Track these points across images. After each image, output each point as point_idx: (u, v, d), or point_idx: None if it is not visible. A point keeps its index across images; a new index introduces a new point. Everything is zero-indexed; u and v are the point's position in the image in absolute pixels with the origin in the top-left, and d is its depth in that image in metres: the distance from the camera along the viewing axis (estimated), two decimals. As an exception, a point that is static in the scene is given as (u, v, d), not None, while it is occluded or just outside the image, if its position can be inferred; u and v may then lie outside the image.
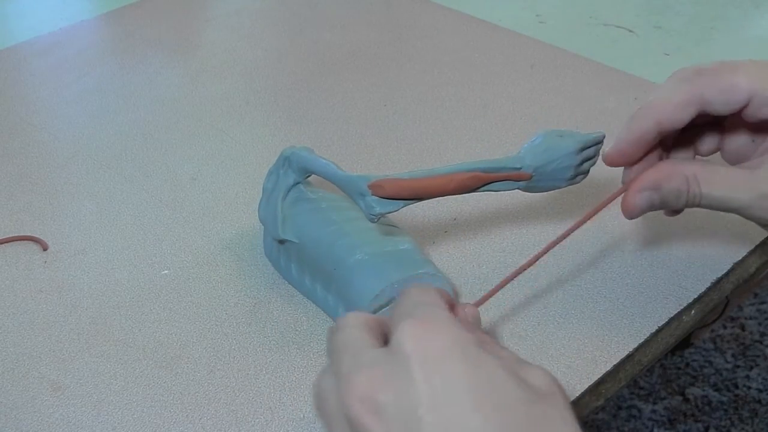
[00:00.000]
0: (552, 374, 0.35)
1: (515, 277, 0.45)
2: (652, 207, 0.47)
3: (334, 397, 0.34)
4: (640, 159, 0.47)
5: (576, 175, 0.50)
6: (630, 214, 0.47)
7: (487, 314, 0.53)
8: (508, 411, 0.31)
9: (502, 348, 0.36)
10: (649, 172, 0.46)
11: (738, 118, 0.45)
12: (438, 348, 0.32)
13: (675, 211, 0.49)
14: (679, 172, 0.45)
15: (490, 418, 0.31)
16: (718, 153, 0.50)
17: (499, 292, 0.54)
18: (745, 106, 0.43)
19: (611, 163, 0.47)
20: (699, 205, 0.46)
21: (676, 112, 0.44)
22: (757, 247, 0.58)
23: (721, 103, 0.43)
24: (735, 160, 0.49)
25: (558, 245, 0.46)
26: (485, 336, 0.37)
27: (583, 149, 0.50)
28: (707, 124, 0.48)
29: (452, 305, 0.39)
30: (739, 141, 0.48)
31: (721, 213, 0.57)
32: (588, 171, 0.52)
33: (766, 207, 0.44)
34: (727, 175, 0.45)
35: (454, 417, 0.31)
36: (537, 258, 0.46)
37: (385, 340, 0.37)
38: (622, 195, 0.47)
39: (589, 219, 0.47)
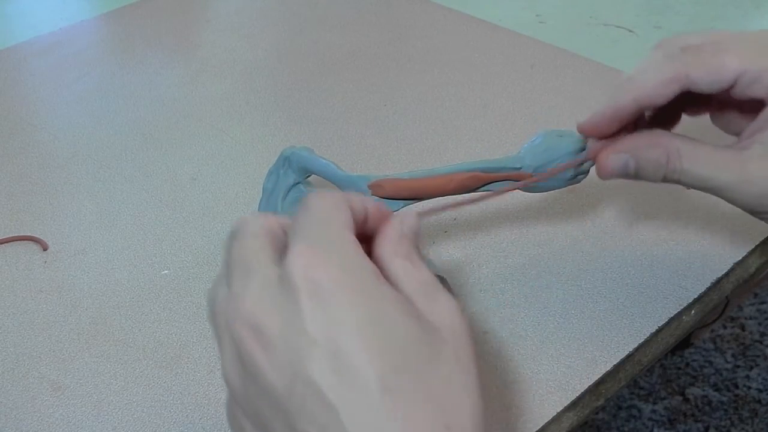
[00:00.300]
0: (458, 308, 0.33)
1: (461, 205, 0.42)
2: (627, 173, 0.45)
3: (224, 311, 0.33)
4: (616, 133, 0.46)
5: (576, 175, 0.50)
6: (603, 175, 0.45)
7: (488, 314, 0.53)
8: (396, 350, 0.31)
9: (417, 271, 0.34)
10: (630, 137, 0.45)
11: (725, 94, 0.44)
12: (328, 279, 0.31)
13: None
14: (661, 143, 0.44)
15: (377, 357, 0.30)
16: (704, 132, 0.48)
17: (500, 292, 0.55)
18: (733, 86, 0.42)
19: (584, 133, 0.46)
20: (678, 181, 0.44)
21: (657, 90, 0.42)
22: (757, 247, 0.58)
23: (707, 83, 0.42)
24: (724, 129, 0.47)
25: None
26: (412, 254, 0.35)
27: (582, 149, 0.50)
28: (693, 99, 0.47)
29: (364, 218, 0.36)
30: (726, 118, 0.47)
31: (721, 213, 0.58)
32: (588, 171, 0.52)
33: (748, 191, 0.42)
34: (712, 154, 0.43)
35: (339, 354, 0.30)
36: (484, 197, 0.44)
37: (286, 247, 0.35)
38: (598, 156, 0.45)
39: (551, 175, 0.45)
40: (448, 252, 0.58)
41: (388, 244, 0.35)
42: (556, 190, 0.51)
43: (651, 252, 0.58)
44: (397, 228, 0.36)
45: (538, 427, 0.47)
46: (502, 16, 0.87)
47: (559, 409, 0.48)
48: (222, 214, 0.62)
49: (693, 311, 0.54)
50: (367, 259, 0.33)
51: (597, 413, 1.42)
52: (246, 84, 0.78)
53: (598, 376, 0.49)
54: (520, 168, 0.48)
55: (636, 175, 0.45)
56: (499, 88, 0.76)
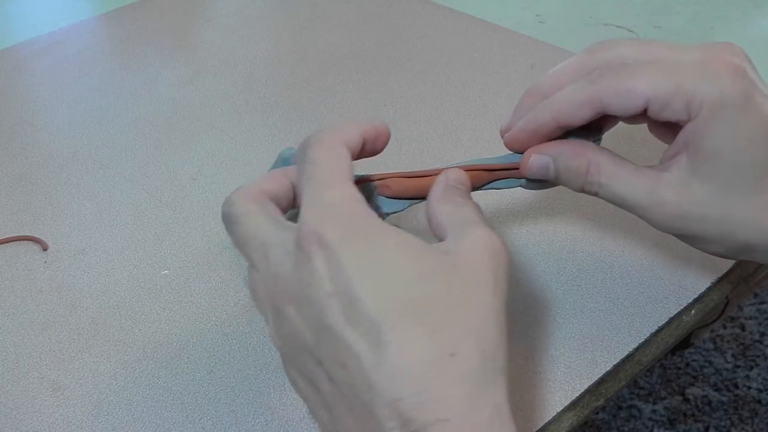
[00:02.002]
0: (482, 243, 0.37)
1: (429, 175, 0.44)
2: (546, 175, 0.45)
3: (259, 289, 0.38)
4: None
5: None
6: (524, 172, 0.46)
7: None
8: (400, 290, 0.34)
9: (457, 211, 0.39)
10: (556, 141, 0.45)
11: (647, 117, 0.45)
12: (333, 239, 0.35)
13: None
14: (584, 154, 0.44)
15: (382, 300, 0.34)
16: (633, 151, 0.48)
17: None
18: (647, 109, 0.42)
19: (508, 147, 0.46)
20: (597, 195, 0.45)
21: (574, 112, 0.43)
22: (757, 247, 0.58)
23: (618, 107, 0.42)
24: (660, 138, 0.48)
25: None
26: (456, 198, 0.40)
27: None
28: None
29: (362, 145, 0.40)
30: (659, 128, 0.47)
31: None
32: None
33: (660, 213, 0.43)
34: (630, 173, 0.44)
35: (351, 303, 0.34)
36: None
37: (287, 203, 0.41)
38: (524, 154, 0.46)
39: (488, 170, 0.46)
40: (448, 252, 0.58)
41: (435, 196, 0.41)
42: (557, 189, 0.51)
43: (651, 252, 0.58)
44: (442, 182, 0.41)
45: (538, 427, 0.47)
46: (502, 16, 0.87)
47: (559, 409, 0.48)
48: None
49: (693, 311, 0.54)
50: (367, 209, 0.37)
51: (597, 413, 1.42)
52: (246, 84, 0.78)
53: (598, 376, 0.49)
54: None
55: (555, 180, 0.46)
56: (498, 88, 0.76)
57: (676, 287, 0.55)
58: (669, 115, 0.41)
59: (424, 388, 0.33)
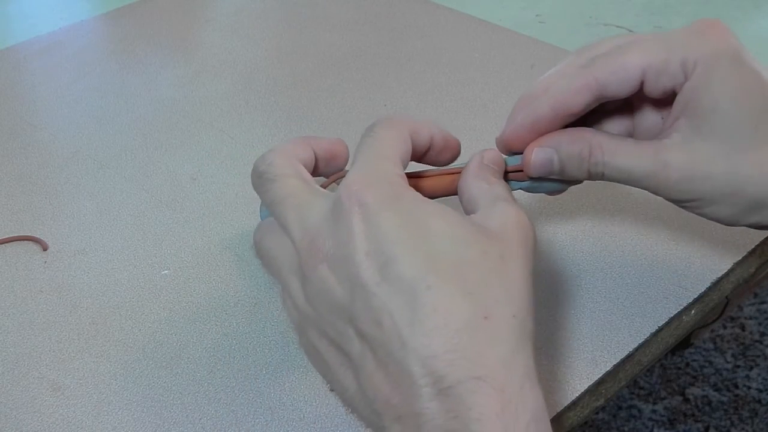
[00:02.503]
0: (514, 217, 0.38)
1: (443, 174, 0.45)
2: (550, 168, 0.45)
3: (286, 252, 0.39)
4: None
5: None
6: (528, 170, 0.45)
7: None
8: (435, 253, 0.35)
9: (490, 187, 0.41)
10: (554, 132, 0.45)
11: (643, 97, 0.45)
12: (374, 201, 0.36)
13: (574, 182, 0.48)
14: (584, 137, 0.44)
15: (418, 260, 0.35)
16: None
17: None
18: (643, 83, 0.42)
19: (506, 146, 0.46)
20: (603, 176, 0.45)
21: (572, 99, 0.43)
22: (757, 247, 0.58)
23: (615, 85, 0.42)
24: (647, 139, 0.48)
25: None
26: (489, 176, 0.42)
27: None
28: (616, 108, 0.48)
29: (427, 147, 0.42)
30: (648, 120, 0.47)
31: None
32: None
33: (665, 179, 0.43)
34: (632, 145, 0.44)
35: (387, 262, 0.35)
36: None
37: (310, 171, 0.42)
38: (524, 152, 0.45)
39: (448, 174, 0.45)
40: (448, 252, 0.58)
41: (469, 172, 0.42)
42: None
43: (651, 252, 0.58)
44: (477, 160, 0.43)
45: (538, 427, 0.47)
46: (502, 16, 0.87)
47: (559, 409, 0.48)
48: (222, 214, 0.62)
49: (693, 311, 0.54)
50: (409, 188, 0.38)
51: (597, 413, 1.42)
52: (246, 84, 0.78)
53: (598, 376, 0.49)
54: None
55: (560, 172, 0.45)
56: (499, 88, 0.76)
57: (676, 287, 0.55)
58: (666, 81, 0.42)
59: (458, 346, 0.34)
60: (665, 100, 0.44)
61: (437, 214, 0.37)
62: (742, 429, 1.44)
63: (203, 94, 0.77)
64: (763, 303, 1.66)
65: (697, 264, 0.56)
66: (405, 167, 0.40)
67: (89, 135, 0.71)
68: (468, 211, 0.41)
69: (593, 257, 0.57)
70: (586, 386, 0.49)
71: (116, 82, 0.79)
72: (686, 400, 1.49)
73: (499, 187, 0.41)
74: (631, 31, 0.85)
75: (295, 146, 0.42)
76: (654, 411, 1.47)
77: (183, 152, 0.69)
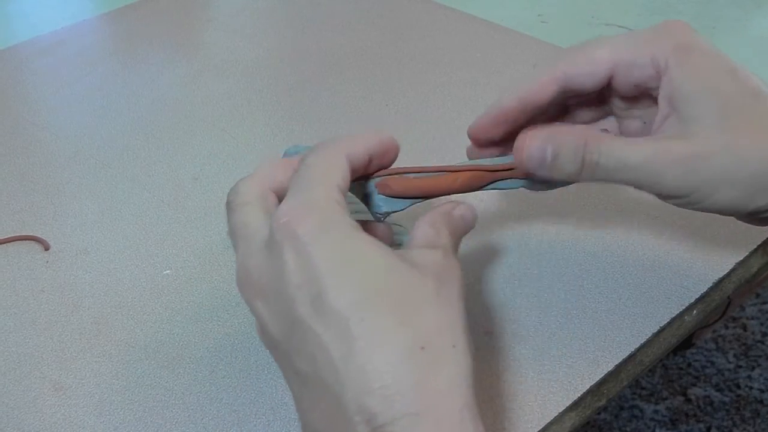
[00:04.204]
0: (446, 259, 0.37)
1: (436, 171, 0.45)
2: (544, 160, 0.43)
3: (237, 281, 0.39)
4: (506, 139, 0.46)
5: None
6: (521, 163, 0.44)
7: (489, 314, 0.53)
8: (368, 285, 0.34)
9: (435, 236, 0.39)
10: (545, 126, 0.44)
11: (622, 100, 0.45)
12: (305, 233, 0.35)
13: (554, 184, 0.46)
14: (579, 130, 0.43)
15: (350, 293, 0.34)
16: None
17: (501, 292, 0.54)
18: (612, 78, 0.42)
19: (474, 139, 0.46)
20: (594, 175, 0.43)
21: (538, 90, 0.43)
22: (759, 247, 0.58)
23: (583, 77, 0.42)
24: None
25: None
26: (440, 226, 0.40)
27: None
28: (592, 119, 0.48)
29: (368, 160, 0.41)
30: (631, 127, 0.47)
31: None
32: None
33: (669, 162, 0.41)
34: (626, 139, 0.43)
35: (320, 295, 0.34)
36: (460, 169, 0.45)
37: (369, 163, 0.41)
38: (516, 147, 0.44)
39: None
40: (449, 252, 0.58)
41: (428, 215, 0.40)
42: (558, 190, 0.51)
43: (653, 252, 0.58)
44: (446, 209, 0.41)
45: (540, 427, 0.47)
46: (504, 16, 0.87)
47: (561, 410, 0.48)
48: (224, 214, 0.62)
49: (695, 311, 0.54)
50: (346, 215, 0.37)
51: (599, 413, 1.42)
52: (248, 83, 0.78)
53: (600, 376, 0.49)
54: None
55: (553, 163, 0.43)
56: (500, 88, 0.75)
57: (678, 287, 0.55)
58: (637, 74, 0.42)
59: (393, 381, 0.33)
60: (640, 96, 0.44)
61: (371, 243, 0.36)
62: (744, 429, 1.44)
63: (205, 93, 0.77)
64: (765, 303, 1.66)
65: (698, 264, 0.56)
66: (346, 188, 0.39)
67: (91, 135, 0.71)
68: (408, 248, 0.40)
69: (595, 257, 0.57)
70: (587, 386, 0.49)
71: (118, 81, 0.79)
72: (688, 401, 1.48)
73: (444, 237, 0.40)
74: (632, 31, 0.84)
75: (273, 170, 0.41)
76: (656, 411, 1.47)
77: (185, 152, 0.69)
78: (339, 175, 0.38)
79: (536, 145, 0.43)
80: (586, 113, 0.49)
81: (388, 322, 0.34)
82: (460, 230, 0.42)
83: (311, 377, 0.34)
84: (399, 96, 0.75)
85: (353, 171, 0.40)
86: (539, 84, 0.43)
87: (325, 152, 0.39)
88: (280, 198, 0.40)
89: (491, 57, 0.80)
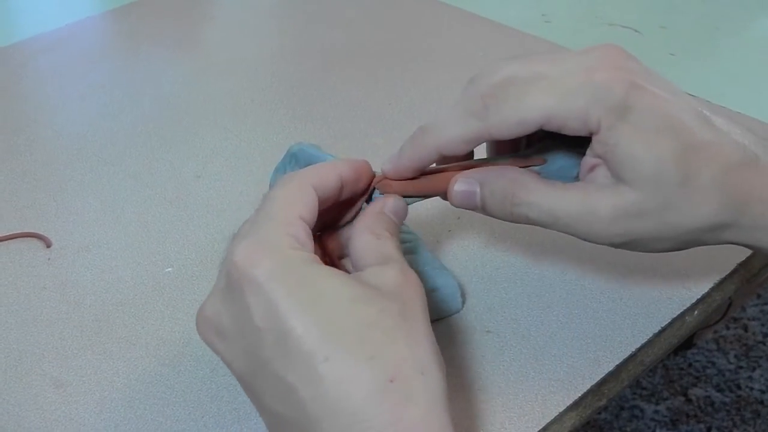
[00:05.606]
0: (405, 275, 0.37)
1: (439, 171, 0.44)
2: (473, 202, 0.44)
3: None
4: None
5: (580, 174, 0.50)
6: (451, 200, 0.44)
7: (490, 314, 0.53)
8: (330, 322, 0.34)
9: (379, 244, 0.39)
10: (481, 168, 0.44)
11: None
12: (263, 273, 0.34)
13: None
14: (509, 175, 0.43)
15: (313, 332, 0.33)
16: None
17: (503, 292, 0.54)
18: (543, 126, 0.41)
19: (389, 177, 0.44)
20: (527, 218, 0.43)
21: (460, 146, 0.42)
22: (761, 248, 0.58)
23: (509, 133, 0.41)
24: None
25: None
26: (380, 230, 0.39)
27: None
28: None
29: (338, 188, 0.40)
30: None
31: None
32: None
33: (600, 220, 0.41)
34: (560, 189, 0.42)
35: (283, 336, 0.33)
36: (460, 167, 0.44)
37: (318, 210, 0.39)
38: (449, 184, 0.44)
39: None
40: (451, 251, 0.58)
41: (362, 220, 0.40)
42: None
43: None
44: (376, 207, 0.41)
45: (541, 427, 0.47)
46: (507, 15, 0.87)
47: (561, 409, 0.48)
48: (226, 212, 0.62)
49: (696, 312, 0.54)
50: (301, 249, 0.36)
51: (599, 413, 1.42)
52: (251, 82, 0.78)
53: (601, 376, 0.49)
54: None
55: (483, 208, 0.44)
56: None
57: (679, 288, 0.55)
58: (567, 132, 0.41)
59: (365, 417, 0.32)
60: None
61: (330, 276, 0.35)
62: (745, 430, 1.44)
63: (208, 91, 0.77)
64: (766, 304, 1.65)
65: (700, 264, 0.56)
66: (312, 218, 0.38)
67: (93, 132, 0.71)
68: (356, 266, 0.39)
69: (596, 257, 0.57)
70: (588, 386, 0.49)
71: (121, 79, 0.79)
72: (689, 401, 1.48)
73: (389, 243, 0.39)
74: (637, 31, 0.84)
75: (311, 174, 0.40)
76: (656, 411, 1.47)
77: (187, 150, 0.69)
78: (301, 205, 0.38)
79: (464, 188, 0.44)
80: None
81: (354, 359, 0.33)
82: (396, 226, 0.41)
83: (283, 416, 0.34)
84: (401, 95, 0.75)
85: (324, 200, 0.39)
86: (461, 140, 0.42)
87: (289, 184, 0.38)
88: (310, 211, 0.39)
89: (494, 56, 0.80)
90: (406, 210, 0.43)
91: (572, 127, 0.40)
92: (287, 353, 0.33)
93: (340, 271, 0.36)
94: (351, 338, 0.33)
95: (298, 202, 0.38)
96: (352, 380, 0.33)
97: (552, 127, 0.41)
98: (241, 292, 0.35)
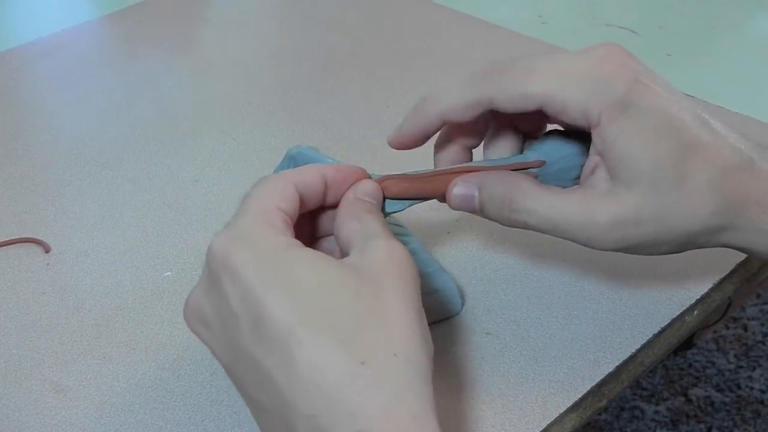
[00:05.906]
0: (388, 252, 0.37)
1: (432, 175, 0.44)
2: (472, 205, 0.44)
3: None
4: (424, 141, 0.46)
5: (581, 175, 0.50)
6: (450, 204, 0.45)
7: (490, 315, 0.53)
8: (304, 307, 0.34)
9: (361, 226, 0.39)
10: (480, 173, 0.44)
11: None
12: (240, 263, 0.35)
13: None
14: (508, 181, 0.43)
15: (287, 317, 0.34)
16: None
17: (502, 293, 0.54)
18: (542, 109, 0.41)
19: (392, 146, 0.46)
20: (526, 224, 0.43)
21: (462, 112, 0.42)
22: (759, 247, 0.58)
23: (510, 106, 0.41)
24: None
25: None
26: (361, 212, 0.40)
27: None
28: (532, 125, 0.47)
29: (322, 190, 0.40)
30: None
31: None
32: None
33: (599, 227, 0.41)
34: (559, 195, 0.42)
35: (258, 322, 0.34)
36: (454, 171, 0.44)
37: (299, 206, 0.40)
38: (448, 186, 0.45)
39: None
40: (450, 253, 0.58)
41: (340, 212, 0.40)
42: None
43: (654, 253, 0.58)
44: (350, 194, 0.41)
45: (541, 429, 0.47)
46: (504, 17, 0.87)
47: (561, 410, 0.48)
48: (225, 216, 0.62)
49: (695, 312, 0.54)
50: (278, 235, 0.36)
51: (600, 414, 1.42)
52: (248, 85, 0.78)
53: (601, 377, 0.49)
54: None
55: (481, 212, 0.44)
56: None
57: (679, 288, 0.55)
58: (566, 119, 0.41)
59: (338, 400, 0.33)
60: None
61: (305, 261, 0.36)
62: (745, 430, 1.44)
63: (206, 95, 0.77)
64: (765, 304, 1.66)
65: (699, 265, 0.56)
66: (293, 210, 0.38)
67: (92, 137, 0.71)
68: (344, 253, 0.39)
69: (596, 258, 0.57)
70: (588, 387, 0.49)
71: (119, 83, 0.79)
72: (689, 401, 1.48)
73: (372, 223, 0.39)
74: (634, 32, 0.84)
75: (293, 175, 0.41)
76: (656, 412, 1.47)
77: (185, 154, 0.69)
78: (278, 198, 0.38)
79: (463, 191, 0.44)
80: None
81: (327, 343, 0.33)
82: (374, 207, 0.41)
83: (262, 402, 0.35)
84: (399, 96, 0.75)
85: (308, 198, 0.40)
86: (463, 105, 0.42)
87: (268, 181, 0.39)
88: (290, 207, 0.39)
89: (491, 58, 0.80)
90: (379, 189, 0.42)
91: (572, 115, 0.41)
92: (263, 338, 0.34)
93: (321, 254, 0.36)
94: (323, 322, 0.34)
95: (275, 196, 0.38)
96: (325, 364, 0.33)
97: (552, 110, 0.41)
98: (219, 281, 0.35)
